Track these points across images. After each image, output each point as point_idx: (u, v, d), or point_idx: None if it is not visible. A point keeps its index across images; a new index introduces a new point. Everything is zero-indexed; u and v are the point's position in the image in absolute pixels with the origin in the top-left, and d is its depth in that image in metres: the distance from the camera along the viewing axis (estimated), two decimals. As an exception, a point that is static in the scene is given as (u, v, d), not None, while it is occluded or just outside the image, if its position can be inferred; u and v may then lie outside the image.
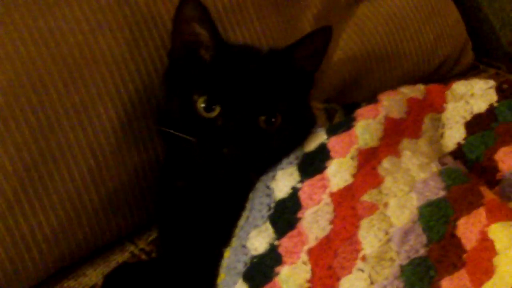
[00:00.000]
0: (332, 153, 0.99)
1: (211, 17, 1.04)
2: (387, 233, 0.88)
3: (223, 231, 0.99)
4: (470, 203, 0.88)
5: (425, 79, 1.49)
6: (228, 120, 0.99)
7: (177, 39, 1.07)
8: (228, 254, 0.97)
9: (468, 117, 1.07)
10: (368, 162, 0.97)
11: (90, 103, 1.12)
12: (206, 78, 1.02)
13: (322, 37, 1.05)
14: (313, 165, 0.99)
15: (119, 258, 1.18)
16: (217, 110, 1.00)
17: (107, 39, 1.13)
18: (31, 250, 1.09)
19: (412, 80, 1.45)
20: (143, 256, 1.18)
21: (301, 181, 0.98)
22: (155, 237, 1.20)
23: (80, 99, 1.11)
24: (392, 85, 1.37)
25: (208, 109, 1.00)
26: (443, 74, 1.60)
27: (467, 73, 1.65)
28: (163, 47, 1.17)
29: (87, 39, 1.12)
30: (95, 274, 1.16)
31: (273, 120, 1.01)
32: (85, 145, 1.12)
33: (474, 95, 1.09)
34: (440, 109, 1.09)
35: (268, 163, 1.02)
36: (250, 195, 1.01)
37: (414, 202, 0.90)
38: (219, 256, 0.98)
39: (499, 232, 0.84)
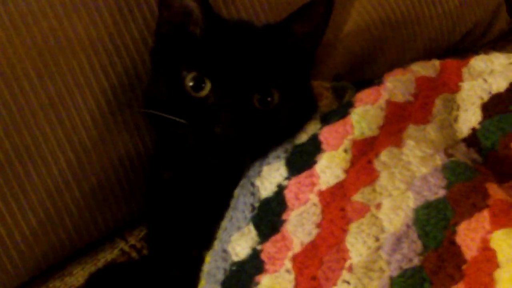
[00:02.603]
0: (324, 146, 0.92)
1: None
2: (377, 240, 0.81)
3: (211, 227, 0.94)
4: (473, 204, 0.80)
5: (450, 51, 1.39)
6: (220, 97, 0.93)
7: (164, 12, 1.02)
8: (209, 259, 0.92)
9: (486, 98, 0.97)
10: (363, 155, 0.90)
11: (66, 93, 1.07)
12: (195, 53, 0.96)
13: (322, 7, 0.97)
14: (302, 159, 0.92)
15: (108, 256, 1.14)
16: (207, 87, 0.94)
17: (84, 23, 1.07)
18: (9, 251, 1.06)
19: (435, 52, 1.36)
20: (134, 254, 1.14)
21: (288, 178, 0.91)
22: (146, 232, 1.15)
23: (56, 89, 1.06)
24: (411, 57, 1.30)
25: (197, 86, 0.94)
26: (472, 43, 1.48)
27: (500, 41, 1.52)
28: (147, 28, 1.11)
29: (62, 23, 1.06)
30: (82, 273, 1.12)
31: (268, 99, 0.95)
32: (64, 139, 1.07)
33: (493, 72, 0.99)
34: (455, 89, 1.00)
35: (264, 147, 0.96)
36: (235, 192, 0.95)
37: (410, 202, 0.83)
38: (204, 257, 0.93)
39: (502, 241, 0.75)
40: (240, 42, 0.96)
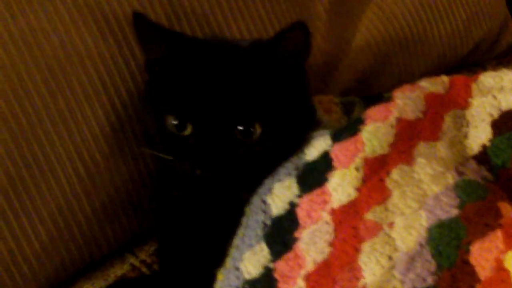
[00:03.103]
0: (335, 163, 0.91)
1: (164, 29, 1.01)
2: (390, 259, 0.80)
3: (221, 245, 0.93)
4: (486, 224, 0.79)
5: (457, 65, 1.39)
6: (200, 138, 0.92)
7: (147, 58, 1.02)
8: (221, 276, 0.91)
9: (496, 115, 0.96)
10: (375, 173, 0.88)
11: (76, 107, 1.06)
12: (174, 94, 0.95)
13: (296, 33, 0.94)
14: (313, 177, 0.91)
15: (118, 271, 1.13)
16: (189, 128, 0.93)
17: (94, 36, 1.07)
18: (20, 266, 1.05)
19: (442, 67, 1.36)
20: (144, 269, 1.13)
21: (300, 196, 0.90)
22: (156, 248, 1.14)
23: (66, 103, 1.06)
24: (419, 72, 1.30)
25: (180, 126, 0.94)
26: (479, 58, 1.48)
27: (507, 55, 1.52)
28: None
29: (72, 37, 1.06)
30: None
31: (251, 130, 0.93)
32: (74, 152, 1.06)
33: (503, 89, 0.98)
34: (464, 105, 0.98)
35: (258, 177, 0.94)
36: (246, 210, 0.94)
37: (423, 222, 0.82)
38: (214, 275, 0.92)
39: (517, 262, 0.74)
40: (217, 74, 0.94)
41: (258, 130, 0.93)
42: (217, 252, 0.93)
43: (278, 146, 0.95)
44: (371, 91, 1.31)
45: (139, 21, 0.98)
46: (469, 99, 0.98)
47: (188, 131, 0.93)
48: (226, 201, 0.97)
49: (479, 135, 0.95)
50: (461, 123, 0.97)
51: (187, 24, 1.13)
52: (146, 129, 1.01)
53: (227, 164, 0.92)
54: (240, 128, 0.92)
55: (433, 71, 1.28)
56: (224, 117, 0.92)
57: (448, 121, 0.96)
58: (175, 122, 0.94)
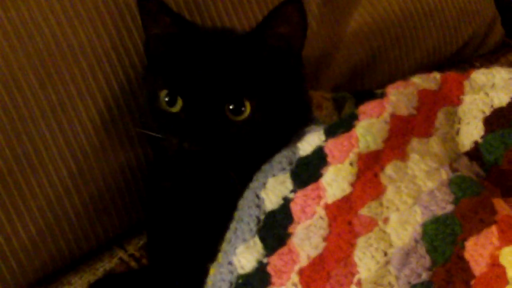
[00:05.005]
0: (329, 158, 0.90)
1: (166, 5, 1.00)
2: (385, 254, 0.80)
3: (211, 238, 0.93)
4: (481, 220, 0.80)
5: (447, 62, 1.39)
6: (189, 113, 0.93)
7: (146, 34, 1.02)
8: (213, 271, 0.90)
9: (488, 112, 0.96)
10: (369, 168, 0.88)
11: (68, 101, 1.05)
12: (167, 70, 0.97)
13: (291, 9, 0.94)
14: (308, 172, 0.91)
15: (106, 265, 1.13)
16: (180, 104, 0.94)
17: (86, 30, 1.06)
18: (8, 260, 1.04)
19: (432, 63, 1.36)
20: (132, 263, 1.13)
21: (294, 191, 0.90)
22: (146, 241, 1.13)
23: (58, 97, 1.05)
24: (410, 68, 1.30)
25: (171, 103, 0.95)
26: (467, 55, 1.49)
27: (495, 53, 1.52)
28: (149, 37, 1.10)
29: (64, 30, 1.05)
30: (80, 282, 1.10)
31: (242, 109, 0.93)
32: (65, 147, 1.06)
33: (495, 86, 0.99)
34: (456, 102, 0.99)
35: (246, 159, 0.95)
36: (239, 204, 0.93)
37: (417, 217, 0.82)
38: (206, 269, 0.91)
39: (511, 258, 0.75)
40: (211, 53, 0.95)
41: (248, 109, 0.93)
42: (207, 246, 0.92)
43: (267, 129, 0.95)
44: (362, 87, 1.32)
45: None
46: (461, 96, 0.99)
47: (178, 106, 0.94)
48: (217, 189, 0.97)
49: (471, 132, 0.95)
50: (453, 120, 0.97)
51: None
52: (140, 109, 1.02)
53: (214, 140, 0.92)
54: (231, 106, 0.93)
55: (422, 68, 1.29)
56: (214, 93, 0.92)
57: (440, 117, 0.96)
58: (166, 99, 0.95)
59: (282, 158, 0.93)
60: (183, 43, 0.97)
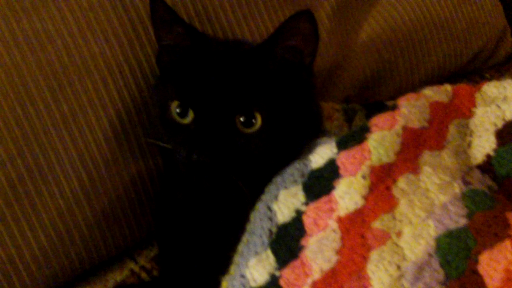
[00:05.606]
0: (341, 171, 0.90)
1: (179, 16, 1.00)
2: (399, 268, 0.80)
3: (223, 250, 0.92)
4: (495, 234, 0.79)
5: (457, 73, 1.39)
6: (200, 124, 0.93)
7: (159, 45, 1.03)
8: (226, 283, 0.90)
9: (500, 125, 0.95)
10: (381, 181, 0.88)
11: (80, 112, 1.06)
12: (179, 81, 0.96)
13: (302, 22, 0.94)
14: (320, 184, 0.90)
15: (117, 276, 1.13)
16: (191, 115, 0.94)
17: (98, 41, 1.07)
18: (19, 272, 1.05)
19: (442, 74, 1.35)
20: (143, 274, 1.13)
21: (306, 203, 0.89)
22: (156, 253, 1.14)
23: (69, 108, 1.05)
24: (420, 79, 1.30)
25: (183, 114, 0.95)
26: (478, 66, 1.49)
27: (506, 64, 1.53)
28: (161, 48, 1.10)
29: (76, 41, 1.05)
30: None
31: (253, 121, 0.93)
32: (76, 158, 1.06)
33: (507, 99, 0.98)
34: (468, 114, 0.98)
35: (259, 171, 0.95)
36: (251, 216, 0.93)
37: (431, 231, 0.81)
38: (218, 281, 0.90)
39: (526, 272, 0.74)
40: (223, 65, 0.96)
41: (258, 121, 0.93)
42: (219, 258, 0.92)
43: (278, 141, 0.95)
44: (373, 98, 1.31)
45: (156, 3, 0.98)
46: (473, 109, 0.98)
47: (189, 118, 0.94)
48: (228, 201, 0.97)
49: (483, 145, 0.95)
50: (465, 133, 0.97)
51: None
52: (151, 121, 1.02)
53: (224, 151, 0.92)
54: (242, 118, 0.93)
55: (433, 79, 1.29)
56: (225, 105, 0.92)
57: (452, 130, 0.96)
58: (178, 110, 0.95)
59: (294, 171, 0.93)
60: (195, 54, 0.97)
